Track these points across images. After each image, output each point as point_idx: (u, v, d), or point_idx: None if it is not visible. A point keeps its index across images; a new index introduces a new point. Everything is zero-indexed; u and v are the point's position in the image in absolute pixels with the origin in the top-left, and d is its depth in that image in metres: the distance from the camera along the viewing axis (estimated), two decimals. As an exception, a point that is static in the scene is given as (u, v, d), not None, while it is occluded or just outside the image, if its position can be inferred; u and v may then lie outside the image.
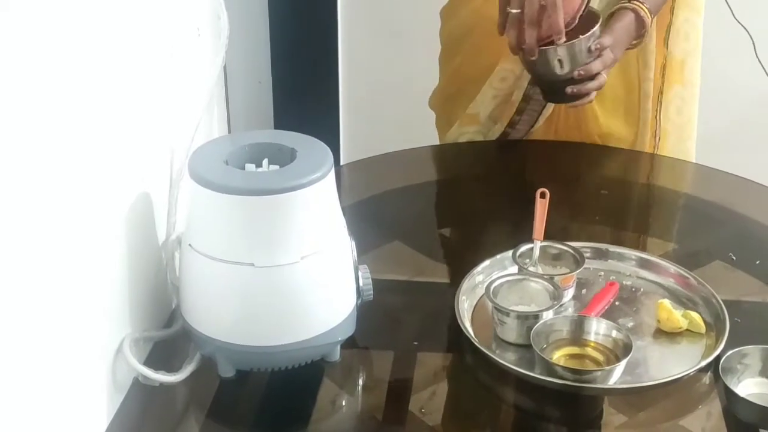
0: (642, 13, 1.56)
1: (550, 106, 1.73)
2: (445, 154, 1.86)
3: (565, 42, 1.46)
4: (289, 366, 1.16)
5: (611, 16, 1.57)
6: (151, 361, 1.18)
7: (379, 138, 2.15)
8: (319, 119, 2.46)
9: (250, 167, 1.16)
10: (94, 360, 1.08)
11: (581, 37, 1.47)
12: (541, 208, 1.37)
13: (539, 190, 1.39)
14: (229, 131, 1.59)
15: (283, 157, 1.16)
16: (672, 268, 1.35)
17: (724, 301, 1.27)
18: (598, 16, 1.50)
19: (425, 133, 1.99)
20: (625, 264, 1.39)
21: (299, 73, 2.43)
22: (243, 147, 1.17)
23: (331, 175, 1.14)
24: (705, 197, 1.63)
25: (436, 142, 1.90)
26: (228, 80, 1.66)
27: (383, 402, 1.17)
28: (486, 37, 1.64)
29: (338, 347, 1.20)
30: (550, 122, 1.76)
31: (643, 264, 1.38)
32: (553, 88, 1.54)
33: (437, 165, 1.81)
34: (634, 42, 1.59)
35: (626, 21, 1.56)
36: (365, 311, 1.23)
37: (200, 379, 1.17)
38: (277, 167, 1.15)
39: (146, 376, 1.13)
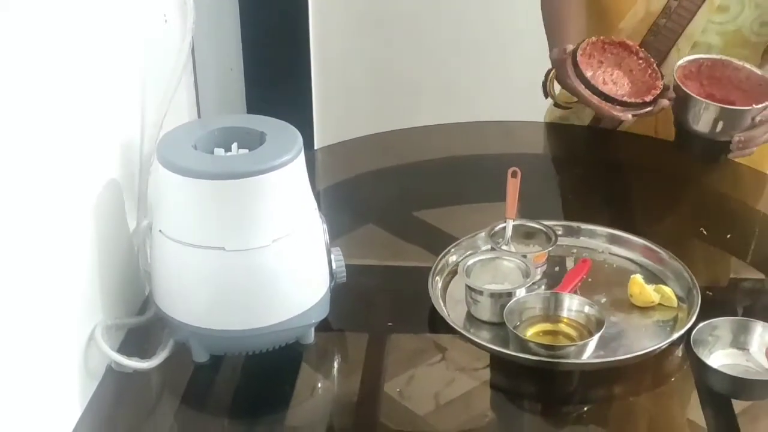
0: None
1: None
2: (418, 137, 1.86)
3: (733, 107, 1.38)
4: (263, 349, 1.16)
5: None
6: (125, 348, 1.18)
7: (352, 122, 2.15)
8: (292, 104, 2.45)
9: (219, 152, 1.15)
10: (67, 348, 1.07)
11: (755, 106, 1.38)
12: (513, 187, 1.38)
13: (510, 169, 1.39)
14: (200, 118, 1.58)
15: (252, 140, 1.15)
16: (643, 243, 1.36)
17: (694, 274, 1.28)
18: None
19: (398, 117, 1.99)
20: (597, 241, 1.39)
21: (271, 59, 2.42)
22: (212, 131, 1.16)
23: (301, 157, 1.13)
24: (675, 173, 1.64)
25: (409, 125, 1.90)
26: (199, 67, 1.65)
27: (359, 384, 1.17)
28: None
29: (312, 330, 1.20)
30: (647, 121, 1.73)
31: (615, 240, 1.38)
32: (700, 145, 1.44)
33: (410, 148, 1.80)
34: None
35: None
36: (339, 294, 1.23)
37: (174, 365, 1.17)
38: (246, 151, 1.15)
39: (119, 363, 1.12)
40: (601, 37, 1.56)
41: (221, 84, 2.29)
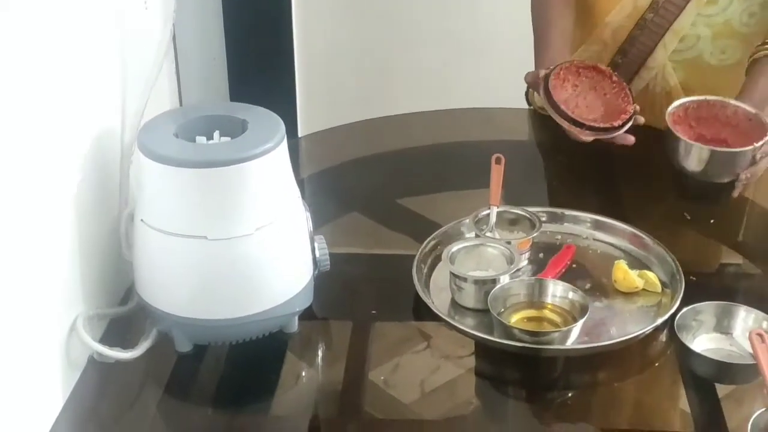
0: None
1: (633, 88, 1.68)
2: (402, 124, 1.85)
3: (731, 149, 1.36)
4: (246, 339, 1.15)
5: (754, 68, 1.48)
6: (107, 339, 1.17)
7: (336, 110, 2.14)
8: (276, 92, 2.43)
9: (201, 140, 1.14)
10: (48, 339, 1.06)
11: (756, 145, 1.35)
12: (497, 173, 1.38)
13: (494, 156, 1.39)
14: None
15: (234, 128, 1.14)
16: (627, 229, 1.36)
17: (678, 260, 1.28)
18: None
19: (382, 104, 1.99)
20: (581, 227, 1.40)
21: (254, 47, 2.41)
22: (193, 119, 1.16)
23: (284, 145, 1.13)
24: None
25: (394, 112, 1.89)
26: (180, 55, 1.64)
27: (343, 372, 1.17)
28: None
29: (296, 318, 1.20)
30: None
31: (599, 226, 1.38)
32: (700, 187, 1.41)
33: (394, 135, 1.79)
34: None
35: None
36: (323, 282, 1.22)
37: (157, 355, 1.16)
38: (228, 139, 1.14)
39: (101, 353, 1.12)
40: (575, 61, 1.59)
41: (204, 72, 2.27)
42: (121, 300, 1.25)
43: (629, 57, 1.67)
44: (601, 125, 1.49)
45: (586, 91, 1.53)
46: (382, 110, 1.86)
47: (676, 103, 1.39)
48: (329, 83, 2.69)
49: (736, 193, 1.40)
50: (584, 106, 1.53)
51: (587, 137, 1.49)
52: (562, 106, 1.49)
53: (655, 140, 1.67)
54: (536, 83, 1.55)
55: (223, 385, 1.17)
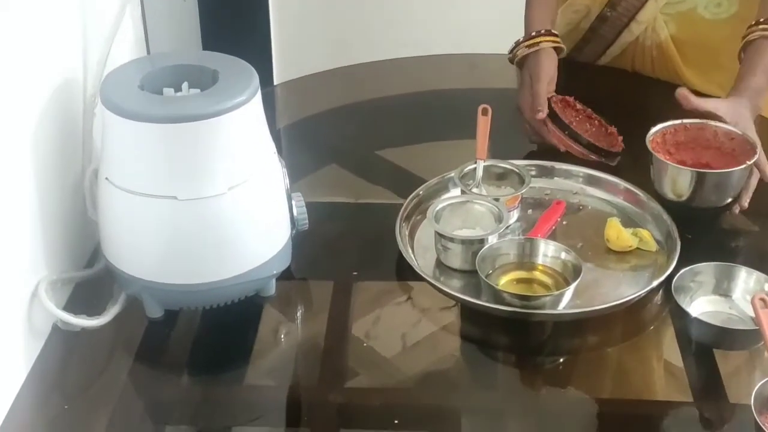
0: None
1: (622, 41, 1.63)
2: (383, 71, 1.77)
3: (723, 170, 1.25)
4: (221, 304, 1.09)
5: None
6: (73, 305, 1.11)
7: (313, 56, 2.07)
8: (250, 37, 2.34)
9: (168, 92, 1.07)
10: (8, 306, 1.00)
11: (748, 163, 1.24)
12: (484, 125, 1.31)
13: (481, 107, 1.32)
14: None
15: (205, 79, 1.07)
16: (621, 184, 1.30)
17: (674, 217, 1.22)
18: (756, 145, 1.27)
19: (362, 50, 1.91)
20: (572, 181, 1.33)
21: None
22: (160, 70, 1.08)
23: (258, 97, 1.05)
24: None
25: (373, 59, 1.81)
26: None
27: (323, 336, 1.11)
28: None
29: (273, 281, 1.14)
30: (625, 58, 1.66)
31: (591, 181, 1.32)
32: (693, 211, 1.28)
33: (375, 83, 1.72)
34: None
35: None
36: (301, 241, 1.16)
37: (126, 322, 1.10)
38: (197, 91, 1.06)
39: (66, 321, 1.05)
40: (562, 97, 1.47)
41: (173, 17, 2.17)
42: (87, 262, 1.18)
43: (618, 10, 1.60)
44: (611, 149, 1.39)
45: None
46: (362, 56, 1.78)
47: (653, 129, 1.31)
48: (306, 27, 2.60)
49: (736, 211, 1.30)
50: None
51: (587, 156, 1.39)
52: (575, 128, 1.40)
53: (648, 87, 1.62)
54: (540, 121, 1.42)
55: (197, 352, 1.10)
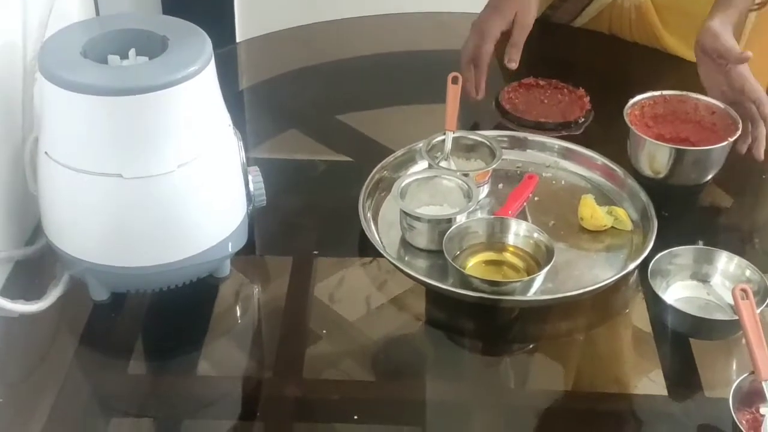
0: None
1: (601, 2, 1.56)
2: (351, 29, 1.69)
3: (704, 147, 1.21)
4: (171, 286, 1.02)
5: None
6: (12, 286, 1.04)
7: (277, 12, 1.97)
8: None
9: (114, 59, 0.99)
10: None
11: (729, 140, 1.20)
12: (453, 95, 1.24)
13: (451, 75, 1.25)
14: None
15: (153, 46, 0.99)
16: (598, 159, 1.24)
17: (651, 194, 1.17)
18: (738, 121, 1.22)
19: (328, 5, 1.82)
20: (546, 154, 1.27)
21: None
22: (104, 35, 1.00)
23: (211, 66, 0.97)
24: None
25: (343, 16, 1.73)
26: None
27: (279, 320, 1.05)
28: None
29: (228, 262, 1.07)
30: (602, 19, 1.59)
31: (566, 154, 1.26)
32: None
33: (342, 42, 1.63)
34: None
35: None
36: (258, 218, 1.10)
37: (70, 304, 1.04)
38: (145, 59, 0.98)
39: (2, 307, 0.98)
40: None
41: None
42: (27, 240, 1.10)
43: None
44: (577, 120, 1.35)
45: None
46: (329, 12, 1.70)
47: (631, 101, 1.24)
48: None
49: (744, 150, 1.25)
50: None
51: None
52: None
53: (624, 50, 1.55)
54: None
55: (147, 337, 1.04)
